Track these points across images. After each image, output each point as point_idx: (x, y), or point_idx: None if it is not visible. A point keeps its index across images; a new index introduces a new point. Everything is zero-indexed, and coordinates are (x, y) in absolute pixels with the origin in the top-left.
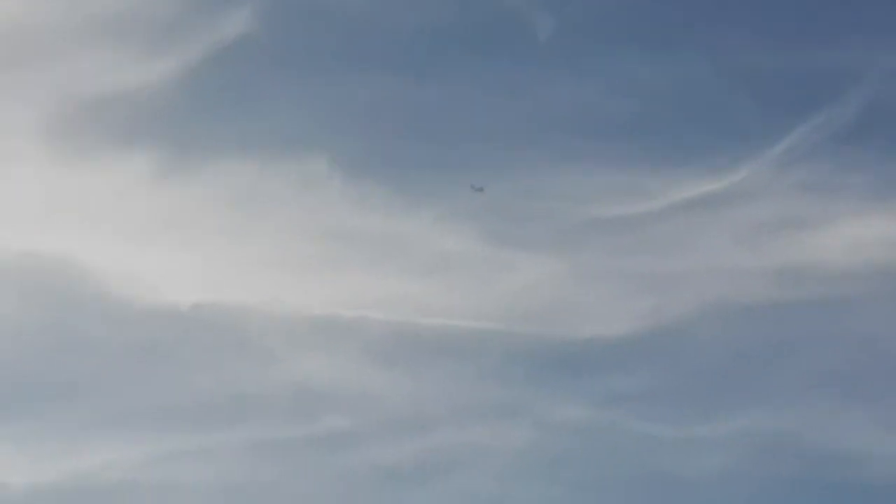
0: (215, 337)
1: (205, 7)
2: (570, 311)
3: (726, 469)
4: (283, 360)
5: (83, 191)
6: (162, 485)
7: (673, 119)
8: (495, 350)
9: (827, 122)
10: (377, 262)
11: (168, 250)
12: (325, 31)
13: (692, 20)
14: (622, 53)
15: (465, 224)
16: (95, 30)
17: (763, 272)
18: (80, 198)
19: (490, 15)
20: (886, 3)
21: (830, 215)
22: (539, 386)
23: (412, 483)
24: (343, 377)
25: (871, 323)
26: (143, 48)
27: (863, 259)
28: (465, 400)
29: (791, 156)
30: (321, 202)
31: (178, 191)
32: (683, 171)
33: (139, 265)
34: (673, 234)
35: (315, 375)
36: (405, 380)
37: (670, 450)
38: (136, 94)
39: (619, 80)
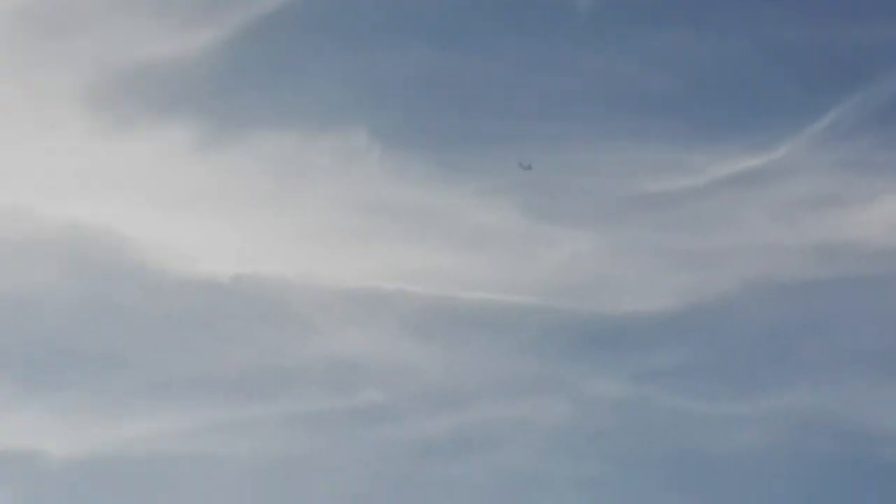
0: (253, 309)
1: None
2: (609, 287)
3: (762, 446)
4: (321, 332)
5: (123, 161)
6: (198, 456)
7: (714, 95)
8: (533, 325)
9: (868, 99)
10: (416, 234)
11: (207, 221)
12: (366, 3)
13: None
14: (664, 28)
15: (504, 198)
16: None
17: (802, 249)
18: (119, 168)
19: None
20: None
21: (870, 193)
22: (577, 361)
23: (448, 457)
24: (380, 350)
25: None
26: (184, 17)
27: None
28: (502, 374)
29: (832, 133)
30: (360, 174)
31: (218, 162)
32: (724, 148)
33: (178, 236)
34: (713, 211)
35: (352, 348)
36: (442, 353)
37: (707, 426)
38: (176, 63)
39: (660, 56)
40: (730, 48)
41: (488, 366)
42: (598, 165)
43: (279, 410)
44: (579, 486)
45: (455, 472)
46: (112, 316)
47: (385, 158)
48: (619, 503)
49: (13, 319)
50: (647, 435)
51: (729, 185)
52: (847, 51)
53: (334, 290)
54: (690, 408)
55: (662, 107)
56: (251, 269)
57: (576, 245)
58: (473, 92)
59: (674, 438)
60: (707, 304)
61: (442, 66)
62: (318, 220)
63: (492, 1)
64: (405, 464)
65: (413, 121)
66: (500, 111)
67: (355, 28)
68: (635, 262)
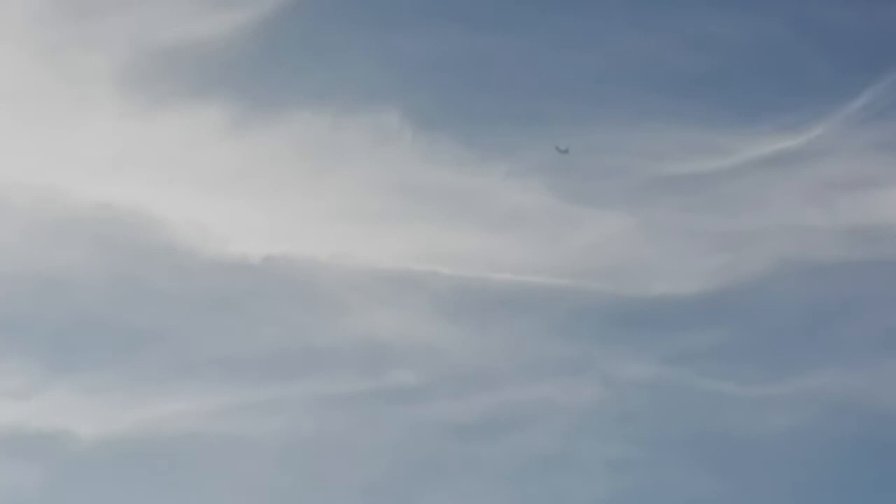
0: (285, 289)
1: None
2: (640, 269)
3: (794, 428)
4: (353, 313)
5: (156, 141)
6: (230, 436)
7: (747, 75)
8: (564, 307)
9: None
10: (447, 216)
11: (239, 202)
12: None
13: None
14: (697, 8)
15: (536, 179)
16: None
17: (835, 231)
18: (152, 148)
19: None
20: None
21: None
22: (607, 343)
23: (479, 439)
24: (411, 332)
25: None
26: None
27: None
28: (532, 356)
29: (865, 114)
30: (393, 156)
31: (250, 142)
32: (757, 129)
33: (210, 216)
34: (745, 192)
35: (384, 329)
36: (474, 335)
37: (737, 408)
38: (209, 44)
39: (693, 35)
40: (763, 28)
41: (518, 347)
42: (629, 146)
43: (309, 391)
44: (608, 468)
45: (484, 453)
46: (144, 296)
47: (417, 140)
48: (648, 485)
49: (46, 299)
50: (676, 417)
51: (761, 166)
52: (882, 32)
53: (365, 271)
54: (720, 390)
55: (694, 87)
56: (282, 250)
57: (607, 226)
58: (504, 73)
59: (703, 420)
60: (738, 286)
61: (473, 48)
62: (349, 201)
63: None
64: (434, 444)
65: (444, 102)
66: (532, 92)
67: (387, 9)
68: (666, 243)
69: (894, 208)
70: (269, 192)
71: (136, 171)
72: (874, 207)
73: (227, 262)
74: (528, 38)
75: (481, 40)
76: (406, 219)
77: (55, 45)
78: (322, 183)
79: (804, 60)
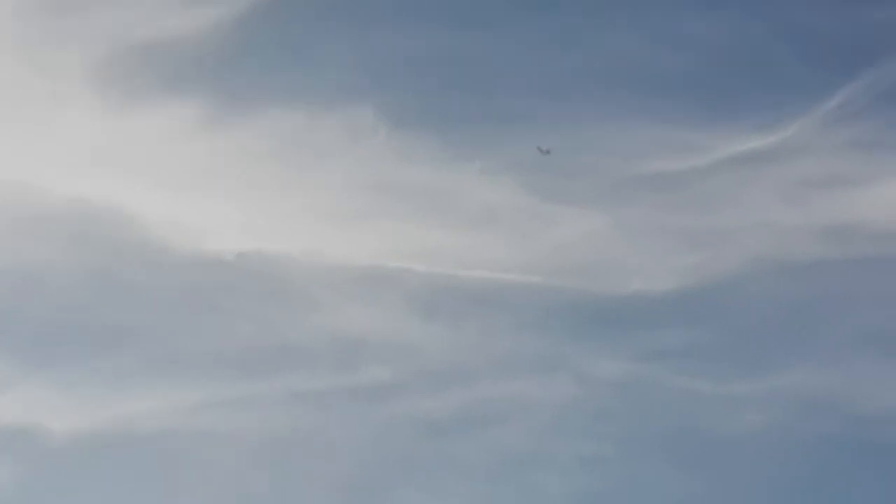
0: (258, 286)
1: None
2: (613, 266)
3: (767, 427)
4: (326, 310)
5: (131, 138)
6: (204, 432)
7: (722, 74)
8: (538, 304)
9: (877, 80)
10: (421, 213)
11: (213, 199)
12: None
13: None
14: (672, 7)
15: (509, 177)
16: None
17: (809, 230)
18: (127, 145)
19: None
20: None
21: (878, 173)
22: (581, 340)
23: (451, 435)
24: (385, 328)
25: None
26: None
27: None
28: (506, 353)
29: (840, 113)
30: (366, 153)
31: (224, 139)
32: (731, 127)
33: (184, 213)
34: (719, 191)
35: (357, 326)
36: (448, 332)
37: (711, 406)
38: (184, 40)
39: (668, 35)
40: (738, 27)
41: (493, 344)
42: (604, 144)
43: (283, 387)
44: (582, 465)
45: (458, 449)
46: (117, 292)
47: (391, 137)
48: (621, 482)
49: (19, 295)
50: (650, 414)
51: (737, 164)
52: (858, 31)
53: (339, 267)
54: (694, 388)
55: (669, 86)
56: (256, 247)
57: (581, 224)
58: (479, 71)
59: (677, 418)
60: (712, 284)
61: (448, 45)
62: (323, 199)
63: None
64: (408, 441)
65: (419, 99)
66: (506, 90)
67: (362, 6)
68: (640, 241)
69: (868, 207)
70: (244, 188)
71: (110, 167)
72: (849, 206)
73: (201, 258)
74: (503, 36)
75: (456, 38)
76: (380, 216)
77: (29, 41)
78: (296, 180)
79: (779, 59)
